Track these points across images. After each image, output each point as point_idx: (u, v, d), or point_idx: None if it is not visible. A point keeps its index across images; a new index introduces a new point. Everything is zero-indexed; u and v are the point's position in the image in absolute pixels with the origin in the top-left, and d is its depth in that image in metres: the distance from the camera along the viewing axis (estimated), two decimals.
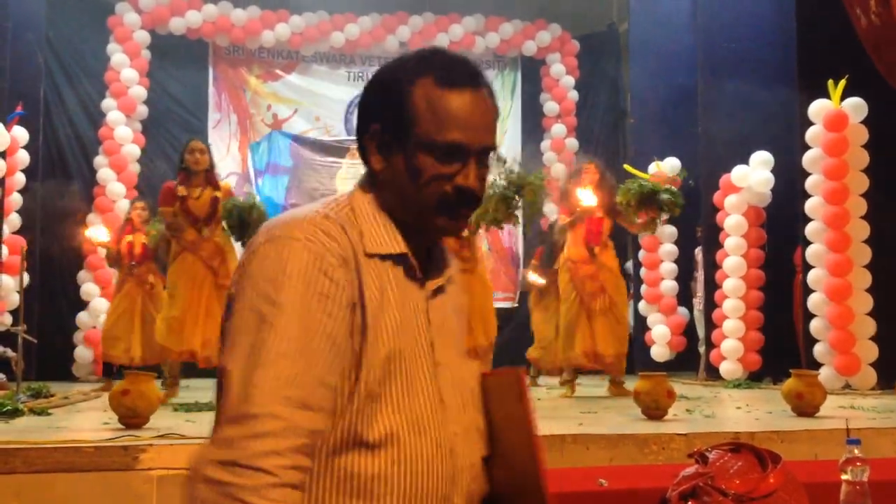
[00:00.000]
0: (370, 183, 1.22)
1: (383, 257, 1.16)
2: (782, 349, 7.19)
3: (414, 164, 1.17)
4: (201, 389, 5.93)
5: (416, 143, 1.16)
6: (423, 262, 1.23)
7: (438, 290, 1.25)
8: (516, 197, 5.91)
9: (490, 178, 1.35)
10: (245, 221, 5.64)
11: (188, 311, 5.52)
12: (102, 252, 7.51)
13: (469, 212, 1.22)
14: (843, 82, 6.28)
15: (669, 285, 8.67)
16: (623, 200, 6.04)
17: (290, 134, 9.56)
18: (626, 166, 7.19)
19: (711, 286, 7.85)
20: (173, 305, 5.56)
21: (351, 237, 1.14)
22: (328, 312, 1.08)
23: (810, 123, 6.47)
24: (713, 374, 7.74)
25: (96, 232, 7.63)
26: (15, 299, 6.55)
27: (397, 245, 1.18)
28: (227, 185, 6.09)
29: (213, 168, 5.85)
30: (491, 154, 1.23)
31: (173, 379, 5.69)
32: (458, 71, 1.20)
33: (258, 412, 1.01)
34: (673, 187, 6.21)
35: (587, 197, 6.05)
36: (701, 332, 8.32)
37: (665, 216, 6.22)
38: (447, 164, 1.16)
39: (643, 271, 8.93)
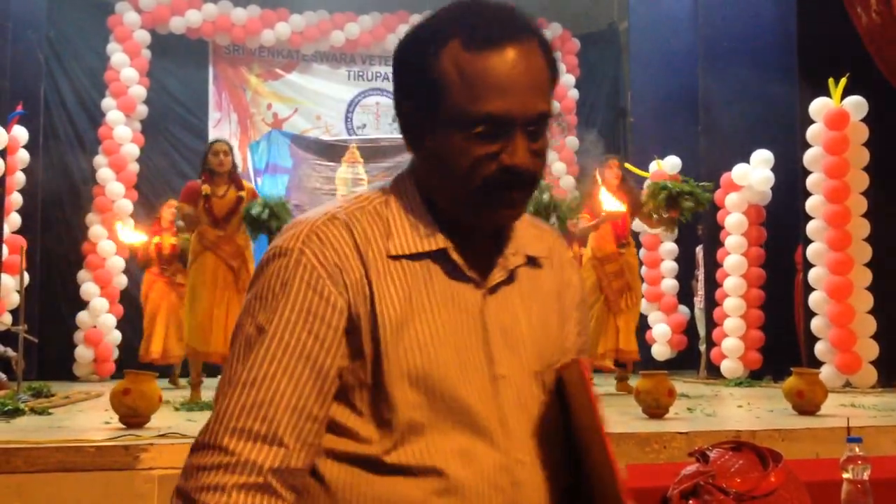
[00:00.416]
0: (411, 169, 1.07)
1: (414, 257, 1.00)
2: (783, 347, 7.19)
3: (449, 144, 0.98)
4: (202, 389, 5.93)
5: (448, 119, 0.98)
6: (475, 253, 1.03)
7: (503, 283, 1.05)
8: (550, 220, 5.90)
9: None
10: (261, 221, 5.65)
11: (211, 312, 5.54)
12: (128, 239, 7.56)
13: (523, 195, 1.02)
14: (843, 80, 6.27)
15: (670, 284, 8.67)
16: (653, 204, 6.05)
17: (289, 133, 9.55)
18: (626, 165, 7.19)
19: (712, 284, 7.85)
20: (196, 307, 5.56)
21: (361, 239, 0.99)
22: (314, 333, 0.95)
23: (811, 122, 6.46)
24: (714, 372, 7.74)
25: (126, 233, 7.66)
26: (15, 299, 6.55)
27: (432, 241, 1.01)
28: (250, 186, 6.07)
29: (237, 169, 5.88)
30: (548, 121, 1.01)
31: (196, 380, 5.66)
32: (491, 26, 0.98)
33: (209, 442, 0.94)
34: (700, 189, 6.21)
35: (613, 202, 6.02)
36: (702, 330, 8.31)
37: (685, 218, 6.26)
38: (489, 140, 0.97)
39: (644, 269, 8.93)
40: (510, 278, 1.05)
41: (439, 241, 1.02)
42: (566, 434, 1.08)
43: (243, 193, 5.69)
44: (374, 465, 0.96)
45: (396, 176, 1.08)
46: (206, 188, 5.56)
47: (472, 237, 1.04)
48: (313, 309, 0.96)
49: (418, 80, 1.00)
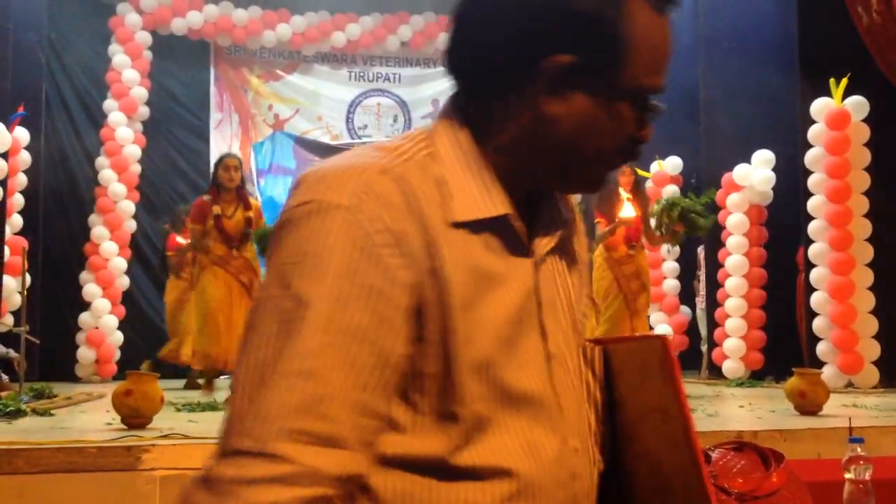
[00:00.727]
0: (483, 116, 0.89)
1: (477, 224, 0.84)
2: (785, 348, 7.19)
3: (610, 110, 0.86)
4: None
5: (621, 85, 0.85)
6: (527, 219, 0.91)
7: (549, 253, 0.93)
8: None
9: None
10: None
11: (230, 315, 5.60)
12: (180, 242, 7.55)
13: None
14: (844, 81, 6.28)
15: (671, 284, 8.67)
16: (666, 219, 6.08)
17: (293, 135, 9.56)
18: (626, 165, 7.19)
19: (714, 285, 7.85)
20: (209, 315, 5.60)
21: (423, 199, 0.82)
22: (376, 313, 0.78)
23: (812, 122, 6.47)
24: (716, 372, 7.74)
25: (178, 239, 7.68)
26: (17, 300, 6.56)
27: (497, 205, 0.86)
28: (257, 204, 6.11)
29: (244, 184, 5.94)
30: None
31: (209, 384, 5.79)
32: None
33: (256, 450, 0.74)
34: (700, 209, 6.24)
35: (628, 210, 6.02)
36: (703, 330, 8.31)
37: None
38: (636, 111, 0.87)
39: None
40: (556, 246, 0.94)
41: (504, 206, 0.87)
42: (607, 415, 0.99)
43: (251, 214, 5.78)
44: (437, 470, 0.82)
45: (440, 123, 0.90)
46: (216, 209, 5.64)
47: (522, 199, 0.91)
48: (371, 281, 0.78)
49: (599, 32, 0.83)
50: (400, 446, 0.82)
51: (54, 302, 8.19)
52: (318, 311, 0.76)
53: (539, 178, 0.90)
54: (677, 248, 8.66)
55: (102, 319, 8.19)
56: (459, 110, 0.90)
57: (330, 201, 0.79)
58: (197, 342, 5.81)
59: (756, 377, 7.36)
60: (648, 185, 6.35)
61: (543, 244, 0.91)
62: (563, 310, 0.94)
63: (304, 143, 9.45)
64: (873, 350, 6.20)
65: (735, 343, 7.48)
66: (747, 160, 7.54)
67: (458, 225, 0.83)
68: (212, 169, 6.07)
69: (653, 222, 6.19)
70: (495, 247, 0.86)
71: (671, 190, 8.00)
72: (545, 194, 0.94)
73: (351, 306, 0.77)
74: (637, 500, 0.98)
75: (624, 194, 6.04)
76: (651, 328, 8.68)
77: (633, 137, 0.88)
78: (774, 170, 7.47)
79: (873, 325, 6.22)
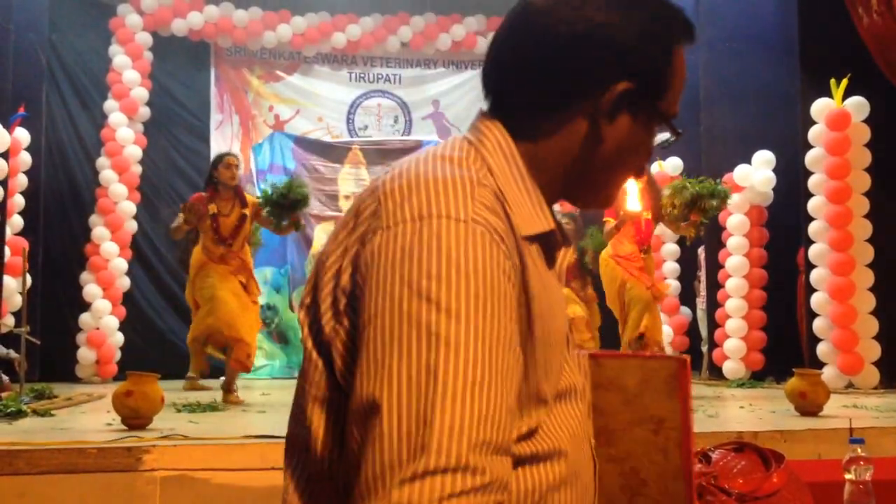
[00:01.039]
0: (530, 130, 0.95)
1: (534, 237, 0.91)
2: (785, 348, 7.19)
3: (635, 131, 0.95)
4: (201, 392, 5.94)
5: (662, 109, 0.96)
6: None
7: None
8: None
9: None
10: (282, 203, 5.80)
11: (235, 301, 5.66)
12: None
13: None
14: (845, 81, 6.28)
15: (672, 285, 8.67)
16: (673, 204, 6.04)
17: (292, 135, 9.56)
18: None
19: (714, 285, 7.85)
20: (214, 308, 5.64)
21: (506, 209, 0.89)
22: (510, 318, 0.81)
23: (812, 122, 6.47)
24: (716, 373, 7.73)
25: None
26: (18, 301, 6.56)
27: (547, 220, 0.94)
28: (254, 200, 6.10)
29: (241, 183, 5.98)
30: None
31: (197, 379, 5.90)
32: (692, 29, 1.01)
33: (452, 465, 0.73)
34: (723, 188, 6.23)
35: (633, 203, 5.99)
36: (704, 331, 8.31)
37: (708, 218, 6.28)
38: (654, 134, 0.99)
39: None
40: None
41: (550, 221, 0.94)
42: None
43: (247, 211, 5.80)
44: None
45: (486, 137, 0.94)
46: (213, 208, 5.65)
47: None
48: (502, 288, 0.81)
49: (658, 63, 0.95)
50: None
51: (55, 303, 8.19)
52: (468, 322, 0.77)
53: (570, 193, 0.98)
54: (678, 249, 8.66)
55: (103, 320, 8.19)
56: (503, 124, 0.95)
57: (456, 217, 0.82)
58: (205, 326, 5.79)
59: (756, 378, 7.36)
60: (668, 188, 6.31)
61: (562, 258, 0.99)
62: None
63: (303, 143, 9.46)
64: (873, 351, 6.20)
65: (735, 344, 7.48)
66: (747, 161, 7.54)
67: (525, 237, 0.89)
68: (209, 168, 6.05)
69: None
70: (540, 258, 0.92)
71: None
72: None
73: (492, 314, 0.79)
74: (603, 500, 1.02)
75: (633, 187, 6.00)
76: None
77: (647, 156, 1.00)
78: (775, 170, 7.46)
79: (873, 325, 6.21)
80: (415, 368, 0.75)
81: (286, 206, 5.79)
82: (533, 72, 0.94)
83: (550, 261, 0.95)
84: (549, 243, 0.94)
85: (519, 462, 0.85)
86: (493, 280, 0.80)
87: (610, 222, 6.21)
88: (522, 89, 0.95)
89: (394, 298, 0.78)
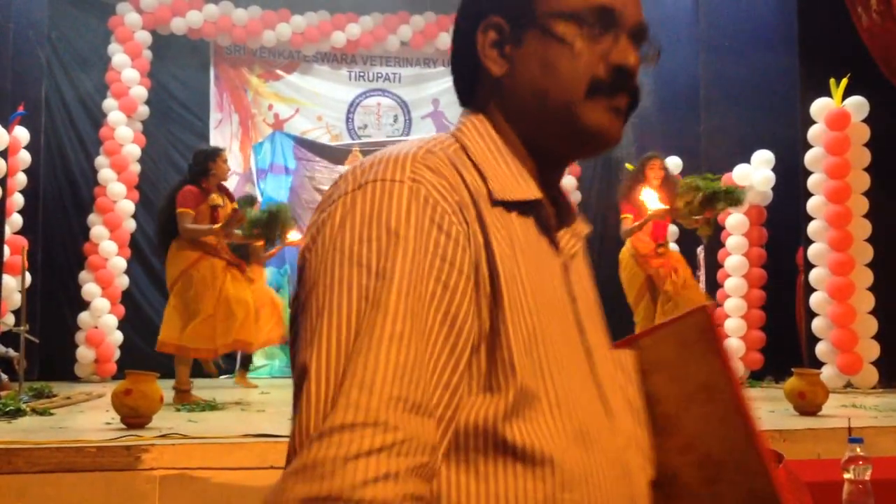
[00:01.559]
0: (484, 104, 0.92)
1: (510, 206, 0.85)
2: (784, 348, 7.19)
3: (552, 41, 0.87)
4: (202, 389, 5.94)
5: (550, 15, 0.88)
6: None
7: (574, 255, 0.93)
8: None
9: None
10: (272, 223, 5.87)
11: (215, 312, 5.57)
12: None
13: (629, 109, 0.92)
14: (844, 81, 6.28)
15: None
16: (688, 201, 6.03)
17: (293, 135, 9.56)
18: (627, 165, 7.19)
19: (713, 285, 7.85)
20: (199, 308, 5.52)
21: (467, 178, 0.83)
22: (445, 282, 0.76)
23: (812, 122, 6.47)
24: None
25: None
26: (17, 299, 6.56)
27: (530, 189, 0.88)
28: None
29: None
30: (645, 42, 0.96)
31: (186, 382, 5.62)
32: None
33: (360, 421, 0.69)
34: (740, 190, 6.24)
35: (655, 201, 5.96)
36: None
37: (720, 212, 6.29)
38: (595, 37, 0.88)
39: None
40: (577, 251, 0.94)
41: (534, 191, 0.88)
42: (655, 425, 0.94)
43: (234, 206, 5.84)
44: (486, 443, 0.77)
45: (461, 123, 0.92)
46: (214, 199, 5.64)
47: (549, 193, 0.92)
48: (441, 251, 0.77)
49: None
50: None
51: (54, 301, 8.19)
52: (400, 283, 0.74)
53: (549, 145, 0.91)
54: (678, 248, 8.65)
55: (102, 319, 8.19)
56: (479, 100, 0.94)
57: (392, 178, 0.79)
58: (187, 337, 5.61)
59: (755, 377, 7.36)
60: (681, 185, 6.30)
61: (571, 244, 0.92)
62: (594, 311, 0.93)
63: (303, 143, 9.46)
64: (873, 350, 6.20)
65: (735, 343, 7.48)
66: (747, 160, 7.54)
67: (497, 203, 0.84)
68: (199, 160, 5.90)
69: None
70: (528, 232, 0.86)
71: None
72: (561, 193, 0.96)
73: (424, 275, 0.75)
74: (685, 502, 0.91)
75: (648, 185, 5.99)
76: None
77: (613, 65, 0.89)
78: (774, 170, 7.47)
79: (873, 325, 6.22)
80: (343, 330, 0.73)
81: (270, 227, 5.94)
82: (453, 43, 0.97)
83: (547, 239, 0.88)
84: (540, 218, 0.88)
85: (499, 450, 0.77)
86: (426, 239, 0.76)
87: (628, 219, 6.18)
88: (454, 65, 0.98)
89: (327, 266, 0.77)
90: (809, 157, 6.50)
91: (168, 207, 5.67)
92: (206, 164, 5.70)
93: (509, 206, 0.85)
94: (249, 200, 7.73)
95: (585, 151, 0.93)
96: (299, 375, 0.74)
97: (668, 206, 5.99)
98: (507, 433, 0.77)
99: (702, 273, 8.32)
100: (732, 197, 6.08)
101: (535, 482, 0.77)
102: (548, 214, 0.89)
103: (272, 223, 6.00)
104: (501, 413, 0.77)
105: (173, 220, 5.57)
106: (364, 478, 0.67)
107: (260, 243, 6.76)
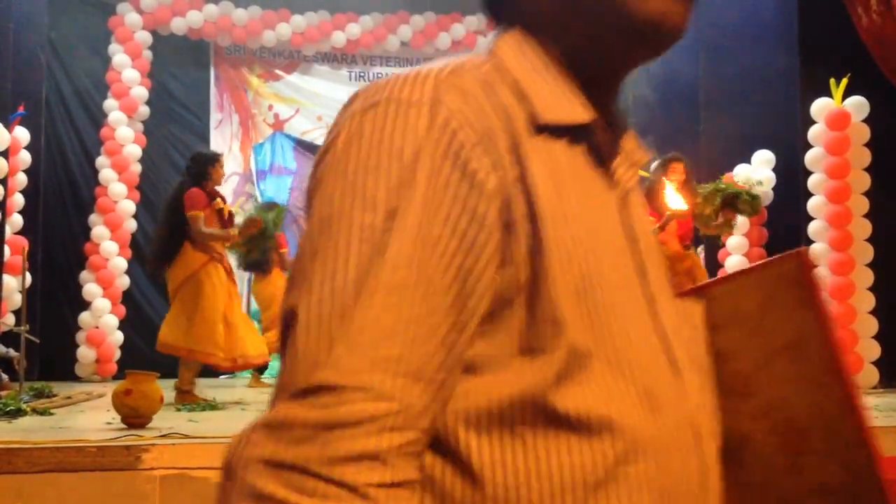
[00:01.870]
0: (518, 16, 0.76)
1: (557, 131, 0.70)
2: None
3: None
4: (202, 389, 5.94)
5: None
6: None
7: (631, 188, 0.78)
8: None
9: None
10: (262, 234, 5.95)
11: (224, 318, 5.60)
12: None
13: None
14: (844, 81, 6.28)
15: None
16: (707, 206, 6.06)
17: (293, 136, 9.57)
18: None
19: None
20: (209, 314, 5.53)
21: (504, 101, 0.68)
22: (455, 227, 0.63)
23: (812, 122, 6.47)
24: None
25: None
26: (17, 299, 6.56)
27: (580, 110, 0.71)
28: None
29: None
30: None
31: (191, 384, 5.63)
32: None
33: (348, 383, 0.58)
34: (753, 191, 6.26)
35: (679, 202, 5.96)
36: None
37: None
38: None
39: None
40: (635, 186, 0.79)
41: (586, 111, 0.72)
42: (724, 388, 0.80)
43: (231, 209, 5.91)
44: (532, 416, 0.64)
45: (496, 40, 0.75)
46: (221, 204, 5.69)
47: (602, 113, 0.75)
48: (456, 191, 0.63)
49: None
50: (483, 393, 0.64)
51: (54, 301, 8.19)
52: (409, 219, 0.62)
53: (598, 52, 0.74)
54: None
55: (102, 319, 8.20)
56: (512, 15, 0.77)
57: (406, 98, 0.65)
58: (194, 341, 5.61)
59: None
60: (702, 190, 6.33)
61: (628, 175, 0.77)
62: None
63: (304, 145, 9.47)
64: (873, 350, 6.20)
65: None
66: (747, 160, 7.54)
67: (542, 129, 0.68)
68: (198, 164, 5.90)
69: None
70: (579, 160, 0.71)
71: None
72: (614, 116, 0.78)
73: (431, 218, 0.62)
74: (758, 474, 0.78)
75: (670, 185, 5.99)
76: None
77: None
78: (774, 170, 7.46)
79: (873, 325, 6.22)
80: (341, 275, 0.61)
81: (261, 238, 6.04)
82: None
83: (601, 170, 0.73)
84: (593, 145, 0.72)
85: (549, 422, 0.63)
86: (440, 176, 0.63)
87: (651, 221, 6.19)
88: None
89: (327, 197, 0.64)
90: (809, 157, 6.50)
91: (173, 210, 5.64)
92: (206, 168, 5.71)
93: (556, 131, 0.70)
94: (269, 207, 7.74)
95: (642, 51, 0.75)
96: (287, 317, 0.63)
97: (689, 206, 6.01)
98: (558, 401, 0.63)
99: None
100: (753, 204, 6.13)
101: (593, 455, 0.64)
102: (602, 141, 0.73)
103: (262, 235, 6.07)
104: (549, 378, 0.64)
105: (181, 223, 5.55)
106: (342, 454, 0.57)
107: (283, 249, 6.89)
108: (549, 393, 0.63)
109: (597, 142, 0.73)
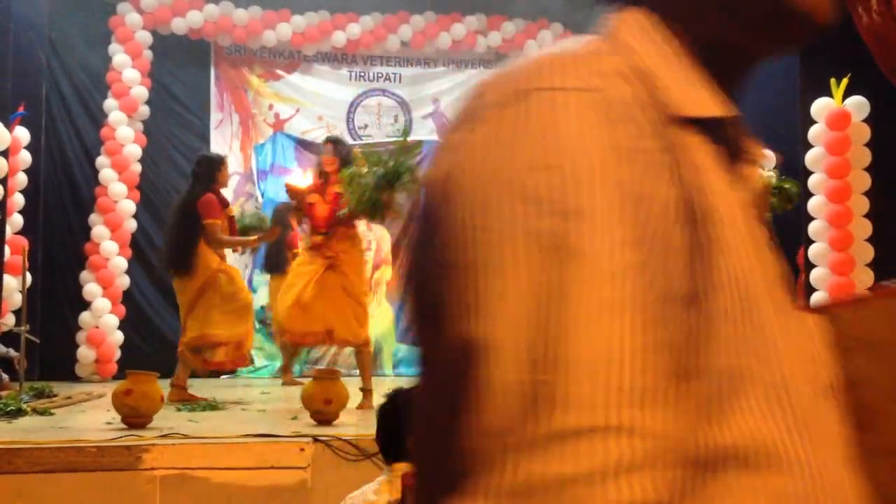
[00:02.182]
0: (647, 14, 0.63)
1: (693, 125, 0.59)
2: None
3: None
4: (202, 389, 5.94)
5: None
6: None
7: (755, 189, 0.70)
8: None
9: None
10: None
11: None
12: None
13: None
14: (845, 81, 6.28)
15: None
16: None
17: (294, 136, 9.56)
18: None
19: None
20: (227, 303, 5.66)
21: (639, 90, 0.58)
22: (647, 224, 0.53)
23: (812, 122, 6.47)
24: None
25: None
26: (17, 299, 6.56)
27: (718, 103, 0.64)
28: None
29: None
30: None
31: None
32: None
33: (598, 424, 0.47)
34: (790, 181, 6.28)
35: None
36: None
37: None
38: None
39: None
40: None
41: (725, 106, 0.64)
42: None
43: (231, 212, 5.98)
44: (687, 464, 0.51)
45: (616, 21, 0.64)
46: (231, 210, 5.76)
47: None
48: (641, 188, 0.53)
49: None
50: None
51: (54, 301, 8.19)
52: (596, 219, 0.51)
53: (735, 41, 0.65)
54: None
55: (102, 319, 8.20)
56: (618, 4, 0.66)
57: (566, 86, 0.55)
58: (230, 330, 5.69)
59: None
60: None
61: (755, 175, 0.68)
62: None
63: (305, 145, 9.47)
64: None
65: None
66: None
67: (685, 121, 0.59)
68: (205, 167, 5.92)
69: None
70: (707, 159, 0.60)
71: None
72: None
73: (626, 216, 0.52)
74: None
75: None
76: None
77: None
78: (774, 170, 7.46)
79: None
80: (528, 292, 0.49)
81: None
82: None
83: (734, 162, 0.64)
84: (727, 142, 0.63)
85: (707, 468, 0.52)
86: (618, 171, 0.52)
87: None
88: None
89: (480, 204, 0.52)
90: (810, 157, 6.50)
91: (185, 215, 5.67)
92: (214, 172, 5.77)
93: (691, 124, 0.60)
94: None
95: (786, 42, 0.66)
96: (461, 355, 0.50)
97: None
98: (715, 438, 0.52)
99: None
100: (790, 193, 6.14)
101: (767, 497, 0.52)
102: (733, 136, 0.64)
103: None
104: (702, 413, 0.52)
105: (197, 230, 5.58)
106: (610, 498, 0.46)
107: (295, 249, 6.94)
108: (703, 437, 0.52)
109: (733, 137, 0.64)
